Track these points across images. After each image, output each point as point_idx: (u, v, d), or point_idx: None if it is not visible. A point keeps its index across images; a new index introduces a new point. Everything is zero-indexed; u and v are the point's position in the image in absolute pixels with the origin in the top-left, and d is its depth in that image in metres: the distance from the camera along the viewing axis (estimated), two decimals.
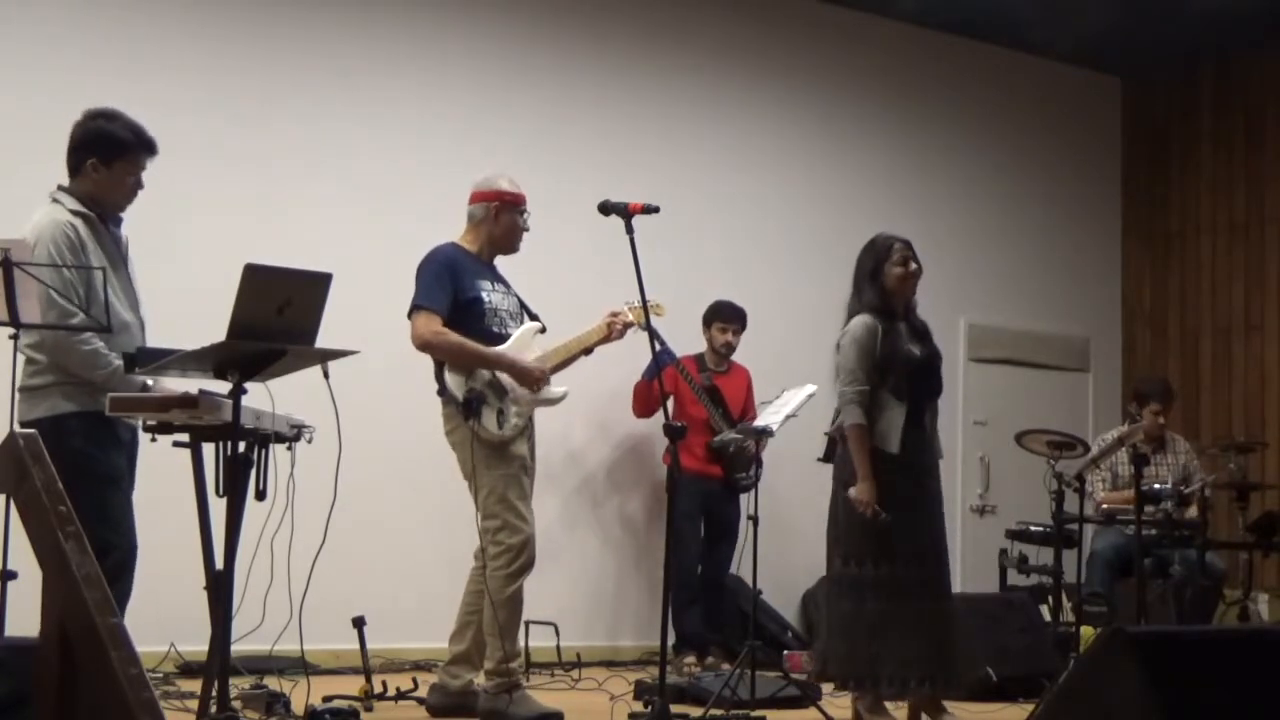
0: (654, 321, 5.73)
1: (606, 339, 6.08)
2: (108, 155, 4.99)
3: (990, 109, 11.11)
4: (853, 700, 5.99)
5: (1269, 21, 10.55)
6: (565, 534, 8.98)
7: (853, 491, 5.80)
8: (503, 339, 5.88)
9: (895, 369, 5.85)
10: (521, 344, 5.91)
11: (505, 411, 5.79)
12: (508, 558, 5.76)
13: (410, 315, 5.82)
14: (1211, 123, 11.44)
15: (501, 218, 5.96)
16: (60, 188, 5.05)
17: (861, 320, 5.91)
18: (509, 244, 6.02)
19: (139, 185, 5.09)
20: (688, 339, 8.74)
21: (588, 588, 9.07)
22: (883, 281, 5.93)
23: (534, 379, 5.83)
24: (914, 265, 5.97)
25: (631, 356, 6.67)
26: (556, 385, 5.98)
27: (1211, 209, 11.40)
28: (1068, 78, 11.54)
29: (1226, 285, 11.28)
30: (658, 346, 7.14)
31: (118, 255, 5.06)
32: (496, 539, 5.76)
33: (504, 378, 5.82)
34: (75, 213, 4.96)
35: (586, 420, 8.93)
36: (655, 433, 5.37)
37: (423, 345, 5.81)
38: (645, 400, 8.63)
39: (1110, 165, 11.83)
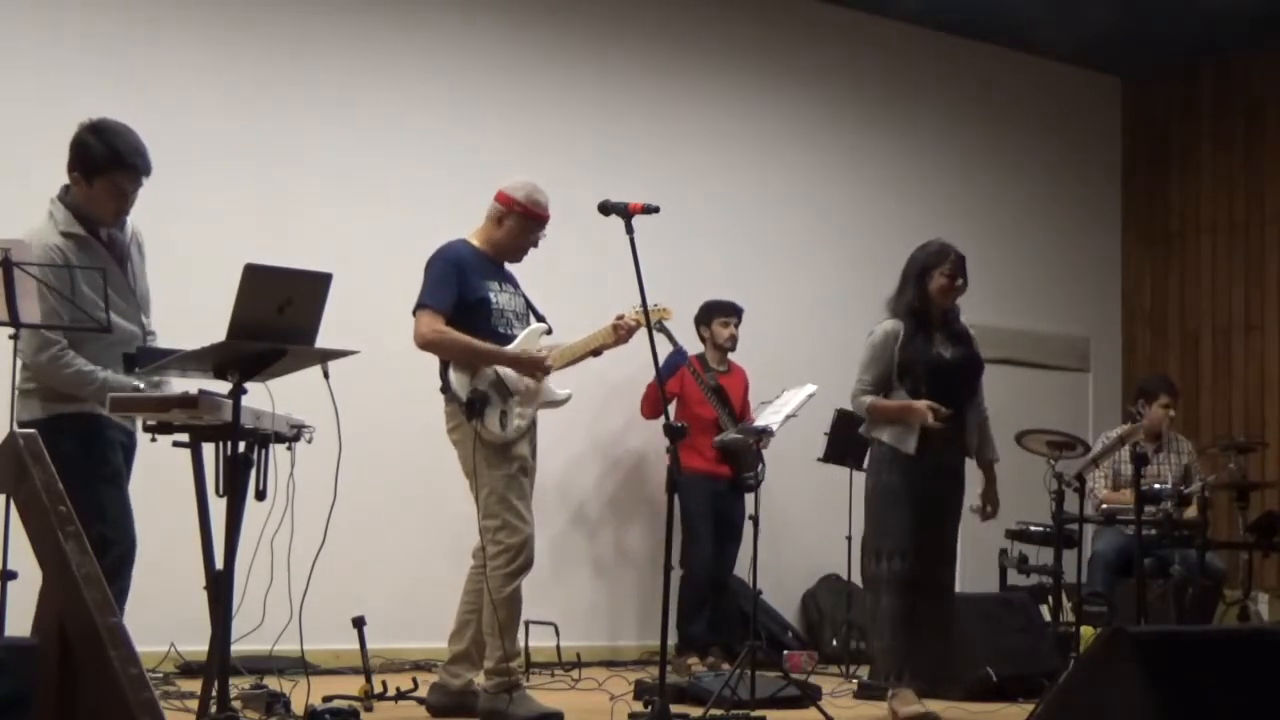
0: (668, 322, 5.75)
1: (613, 343, 6.06)
2: (88, 172, 4.95)
3: (990, 109, 11.10)
4: (889, 699, 6.10)
5: (1269, 21, 10.55)
6: (567, 533, 8.98)
7: (926, 419, 5.94)
8: (508, 340, 5.87)
9: (915, 371, 5.99)
10: (527, 346, 5.91)
11: (508, 413, 5.78)
12: (506, 557, 5.76)
13: (414, 314, 5.82)
14: (1211, 123, 11.44)
15: (506, 223, 5.94)
16: (61, 196, 5.02)
17: (884, 325, 6.17)
18: (510, 252, 6.00)
19: (124, 202, 5.02)
20: (687, 340, 8.72)
21: (589, 587, 9.06)
22: (926, 285, 6.12)
23: (536, 366, 5.82)
24: (960, 281, 6.16)
25: (637, 355, 6.67)
26: (561, 388, 5.98)
27: (1211, 209, 11.40)
28: (1068, 78, 11.54)
29: (1226, 285, 11.28)
30: (670, 348, 7.15)
31: (114, 263, 5.03)
32: (496, 538, 5.76)
33: (508, 378, 5.81)
34: (66, 234, 4.92)
35: (592, 419, 8.92)
36: (661, 430, 5.41)
37: (424, 344, 5.81)
38: (656, 402, 8.60)
39: (1110, 165, 11.83)
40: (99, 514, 4.61)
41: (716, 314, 8.83)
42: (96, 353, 4.91)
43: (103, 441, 4.94)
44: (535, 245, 6.02)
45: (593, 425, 9.01)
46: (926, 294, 6.13)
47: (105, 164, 4.93)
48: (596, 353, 6.09)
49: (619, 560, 9.21)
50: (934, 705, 6.28)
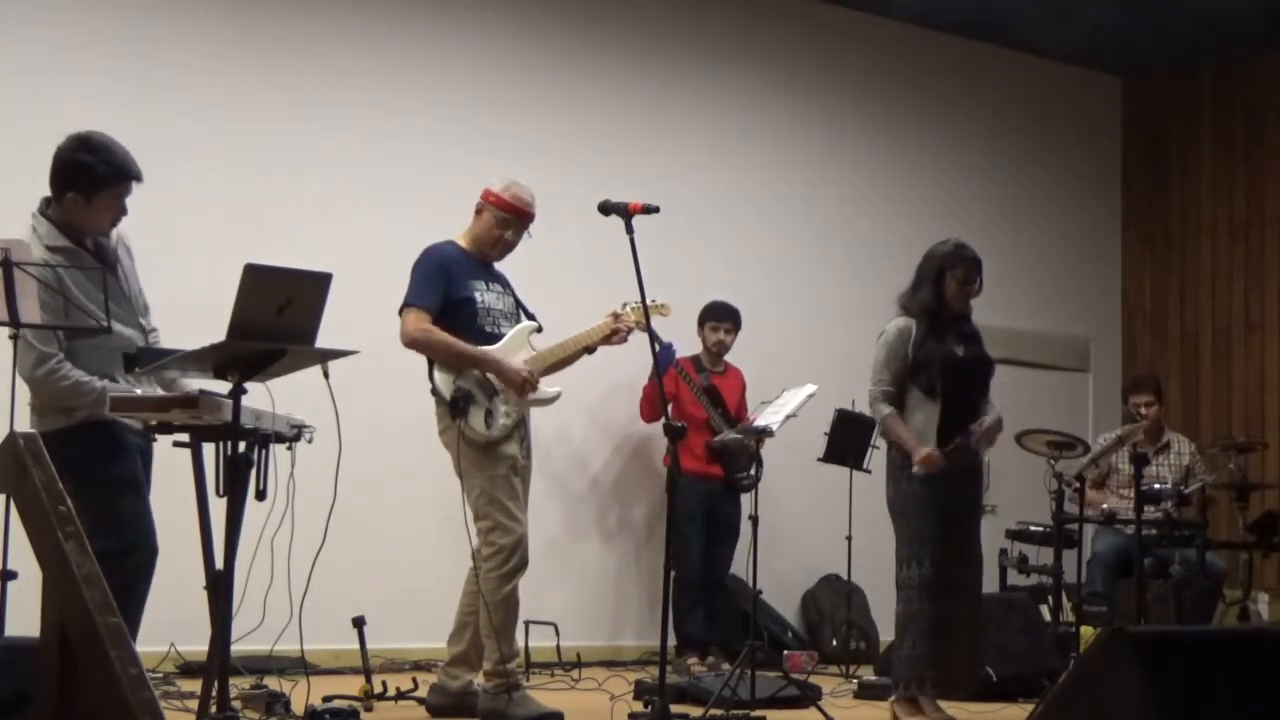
0: (658, 321, 5.73)
1: (608, 340, 6.05)
2: (88, 190, 4.90)
3: (990, 109, 11.10)
4: (890, 703, 6.04)
5: (1269, 21, 10.55)
6: (566, 533, 8.97)
7: (915, 467, 5.94)
8: (495, 339, 5.86)
9: (930, 369, 5.97)
10: (515, 344, 5.88)
11: (494, 411, 5.76)
12: (500, 558, 5.74)
13: (400, 313, 5.82)
14: (1211, 123, 11.44)
15: (483, 217, 5.94)
16: (42, 210, 4.98)
17: (895, 324, 6.15)
18: (487, 245, 5.95)
19: (121, 213, 5.00)
20: (686, 340, 8.73)
21: (588, 588, 9.06)
22: (942, 286, 6.13)
23: (519, 383, 5.80)
24: (973, 285, 6.20)
25: (634, 356, 6.67)
26: (550, 385, 5.95)
27: (1211, 209, 11.40)
28: (1068, 78, 11.54)
29: (1226, 285, 11.28)
30: (658, 347, 7.12)
31: (105, 270, 5.01)
32: (489, 540, 5.74)
33: (494, 377, 5.80)
34: (51, 248, 4.88)
35: (588, 420, 8.93)
36: (657, 432, 5.37)
37: (410, 343, 5.81)
38: (656, 403, 8.59)
39: (1110, 165, 11.83)
40: (122, 519, 4.62)
41: (708, 317, 8.84)
42: (97, 359, 4.90)
43: (117, 447, 4.93)
44: (514, 242, 5.96)
45: (592, 424, 9.01)
46: (942, 294, 6.12)
47: (109, 179, 4.90)
48: (590, 350, 6.08)
49: (618, 560, 9.21)
50: (944, 705, 6.22)
